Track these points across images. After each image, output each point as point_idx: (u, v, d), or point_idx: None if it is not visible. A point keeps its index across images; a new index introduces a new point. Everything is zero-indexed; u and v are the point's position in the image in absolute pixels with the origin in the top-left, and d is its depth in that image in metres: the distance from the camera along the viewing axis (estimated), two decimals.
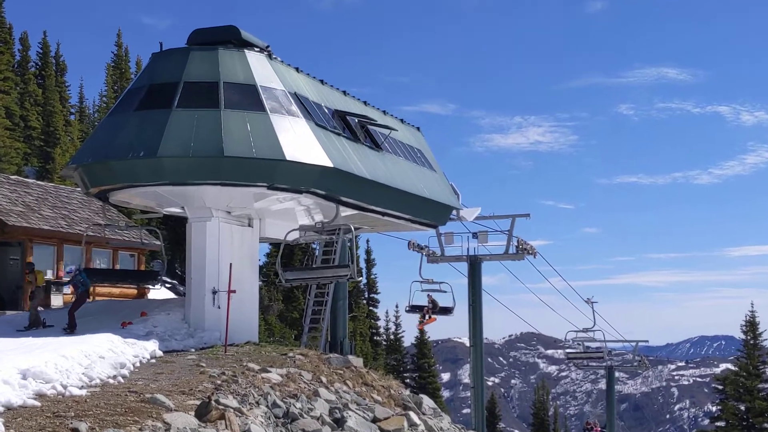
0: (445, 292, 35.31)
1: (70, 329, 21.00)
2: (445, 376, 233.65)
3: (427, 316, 36.07)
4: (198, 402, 13.41)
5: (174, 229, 43.14)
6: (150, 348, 18.42)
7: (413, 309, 36.37)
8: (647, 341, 68.72)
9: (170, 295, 37.88)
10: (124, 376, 15.55)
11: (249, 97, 21.66)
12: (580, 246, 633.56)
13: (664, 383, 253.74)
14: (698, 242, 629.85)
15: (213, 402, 13.17)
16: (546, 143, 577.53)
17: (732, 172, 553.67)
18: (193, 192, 21.54)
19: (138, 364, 17.11)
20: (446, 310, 35.81)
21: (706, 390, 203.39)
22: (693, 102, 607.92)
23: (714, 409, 73.35)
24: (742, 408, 58.76)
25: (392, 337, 67.02)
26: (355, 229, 28.74)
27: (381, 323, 66.21)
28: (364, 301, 62.71)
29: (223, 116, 21.00)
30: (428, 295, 35.34)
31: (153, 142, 20.55)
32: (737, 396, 59.23)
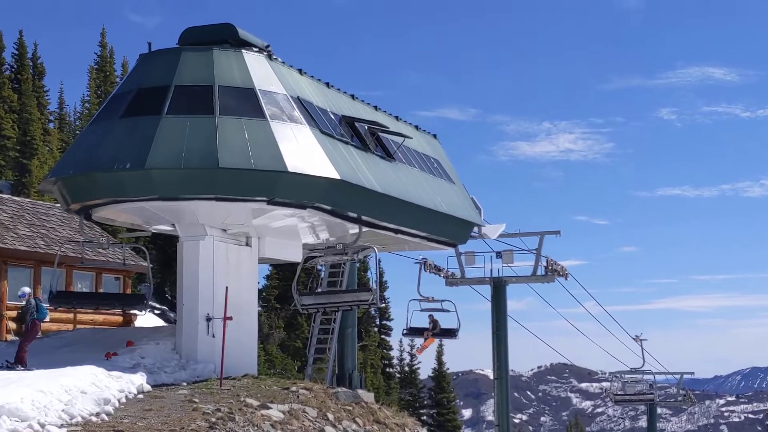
0: (449, 311, 34.50)
1: (20, 365, 19.94)
2: (467, 413, 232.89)
3: (425, 338, 35.10)
4: None
5: (164, 249, 43.25)
6: (137, 382, 18.43)
7: (411, 332, 35.36)
8: (692, 373, 68.46)
9: (159, 322, 37.93)
10: (108, 414, 15.55)
11: (247, 102, 21.75)
12: (617, 266, 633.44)
13: (712, 420, 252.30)
14: (749, 262, 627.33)
15: None
16: (578, 151, 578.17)
17: None
18: (184, 208, 21.60)
19: (124, 400, 17.12)
20: (449, 333, 35.02)
21: (759, 428, 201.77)
22: (742, 105, 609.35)
23: None
24: None
25: (407, 368, 66.84)
26: (366, 248, 28.70)
27: (394, 353, 66.11)
28: (376, 329, 62.60)
29: (218, 123, 21.08)
30: (429, 315, 34.75)
31: (141, 152, 20.64)
32: None
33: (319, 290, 27.00)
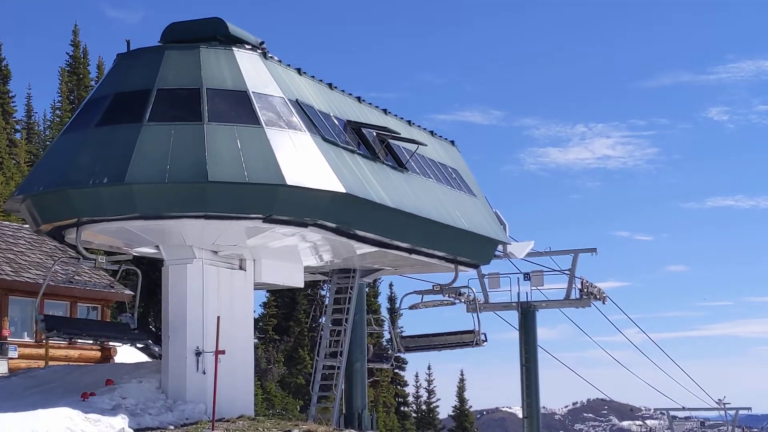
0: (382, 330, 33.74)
1: None
2: None
3: None
4: None
5: (147, 274, 43.20)
6: (118, 425, 18.43)
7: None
8: (749, 409, 68.17)
9: (143, 357, 37.96)
10: None
11: (239, 106, 21.81)
12: (663, 288, 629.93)
13: None
14: None
15: None
16: (617, 158, 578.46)
17: None
18: (170, 227, 21.65)
19: None
20: (380, 358, 34.06)
21: None
22: None
23: None
24: None
25: (424, 406, 66.81)
26: (376, 270, 28.84)
27: (409, 389, 66.10)
28: None
29: (206, 131, 21.14)
30: None
31: (120, 165, 20.70)
32: None
33: (436, 333, 29.37)
